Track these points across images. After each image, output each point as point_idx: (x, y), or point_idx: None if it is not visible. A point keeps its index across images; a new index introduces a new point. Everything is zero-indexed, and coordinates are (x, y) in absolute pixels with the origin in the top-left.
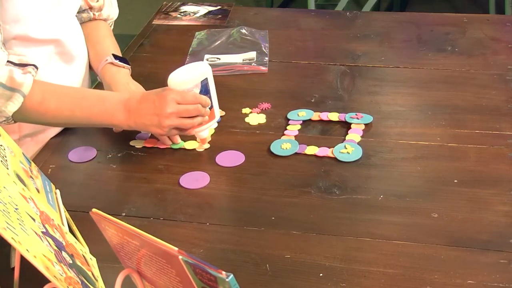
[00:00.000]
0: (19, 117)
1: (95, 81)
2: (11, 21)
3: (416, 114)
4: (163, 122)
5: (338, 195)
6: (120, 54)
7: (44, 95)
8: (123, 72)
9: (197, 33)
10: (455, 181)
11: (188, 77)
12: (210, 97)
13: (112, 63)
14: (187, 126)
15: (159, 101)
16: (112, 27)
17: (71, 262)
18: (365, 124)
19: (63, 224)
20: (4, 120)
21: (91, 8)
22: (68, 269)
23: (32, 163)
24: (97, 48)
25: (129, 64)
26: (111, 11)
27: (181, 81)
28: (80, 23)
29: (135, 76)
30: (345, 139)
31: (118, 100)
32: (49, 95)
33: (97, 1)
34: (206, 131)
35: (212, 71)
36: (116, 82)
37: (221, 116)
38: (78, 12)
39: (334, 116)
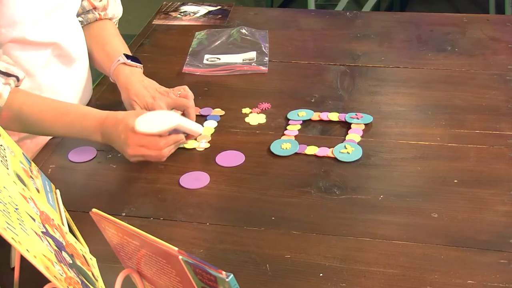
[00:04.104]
0: None
1: (94, 81)
2: (6, 25)
3: (416, 114)
4: (128, 157)
5: (338, 195)
6: (129, 53)
7: (23, 108)
8: (137, 72)
9: (197, 33)
10: (455, 181)
11: (154, 128)
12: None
13: (124, 63)
14: (154, 160)
15: (124, 137)
16: (117, 25)
17: (71, 262)
18: (365, 124)
19: (63, 224)
20: None
21: (95, 8)
22: (68, 269)
23: (32, 163)
24: (107, 49)
25: (140, 63)
26: (116, 9)
27: (145, 130)
28: (86, 24)
29: None
30: (345, 139)
31: (96, 121)
32: (28, 108)
33: (100, 0)
34: (199, 127)
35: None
36: (131, 82)
37: (221, 116)
38: (83, 13)
39: (334, 116)
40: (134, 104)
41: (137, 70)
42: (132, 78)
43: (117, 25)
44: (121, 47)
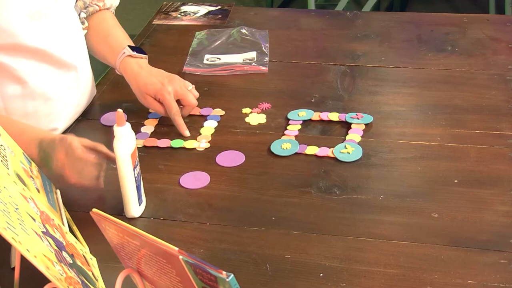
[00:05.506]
0: None
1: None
2: None
3: (416, 114)
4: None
5: (338, 195)
6: (132, 43)
7: None
8: (143, 63)
9: (197, 33)
10: (455, 181)
11: None
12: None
13: (130, 55)
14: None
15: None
16: (113, 13)
17: (71, 262)
18: (365, 124)
19: (63, 224)
20: None
21: None
22: (69, 269)
23: (33, 163)
24: (109, 40)
25: (145, 53)
26: None
27: None
28: (87, 17)
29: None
30: (345, 139)
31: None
32: None
33: None
34: None
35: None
36: (139, 74)
37: (221, 116)
38: (85, 8)
39: (334, 116)
40: (145, 94)
41: (143, 61)
42: (140, 70)
43: (113, 13)
44: (124, 38)
